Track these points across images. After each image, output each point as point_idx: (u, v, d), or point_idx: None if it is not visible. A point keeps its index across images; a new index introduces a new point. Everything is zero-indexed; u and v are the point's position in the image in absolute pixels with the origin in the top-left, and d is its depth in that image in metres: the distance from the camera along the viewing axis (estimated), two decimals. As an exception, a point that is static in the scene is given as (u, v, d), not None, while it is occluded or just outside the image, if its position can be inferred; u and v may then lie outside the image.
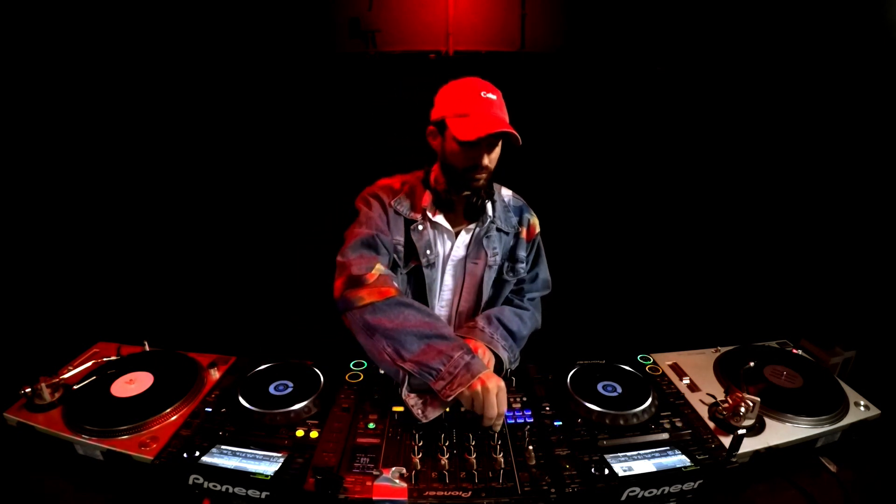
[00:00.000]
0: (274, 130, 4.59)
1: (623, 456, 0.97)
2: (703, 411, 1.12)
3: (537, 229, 1.47)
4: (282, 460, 0.94)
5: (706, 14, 4.48)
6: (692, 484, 0.90)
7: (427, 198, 1.30)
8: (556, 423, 1.07)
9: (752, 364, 1.10)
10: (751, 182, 3.33)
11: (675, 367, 1.29)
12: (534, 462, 0.96)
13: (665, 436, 1.04)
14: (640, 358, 1.32)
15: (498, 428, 1.04)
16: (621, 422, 1.06)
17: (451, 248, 1.34)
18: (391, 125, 4.33)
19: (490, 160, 1.20)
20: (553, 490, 0.90)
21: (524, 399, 1.16)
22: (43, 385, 1.08)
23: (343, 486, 0.89)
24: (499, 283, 1.42)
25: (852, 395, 1.16)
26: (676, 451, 0.98)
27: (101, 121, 3.56)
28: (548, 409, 1.12)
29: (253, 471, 0.90)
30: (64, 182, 3.11)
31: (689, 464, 0.94)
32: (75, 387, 1.13)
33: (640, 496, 0.89)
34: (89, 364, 1.23)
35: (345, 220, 1.31)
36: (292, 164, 4.31)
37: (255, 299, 3.05)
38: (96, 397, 1.11)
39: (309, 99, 5.12)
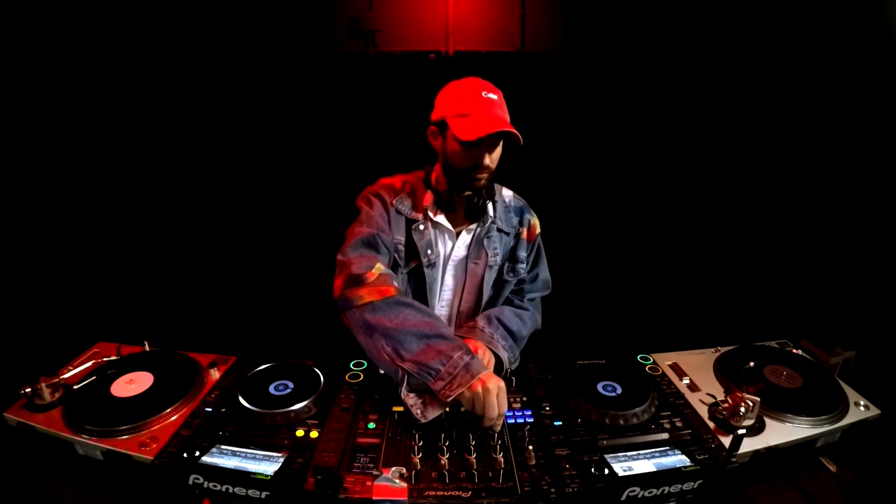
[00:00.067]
0: (274, 130, 4.59)
1: (623, 456, 0.97)
2: (703, 411, 1.12)
3: (538, 230, 1.47)
4: (282, 460, 0.94)
5: (706, 14, 4.48)
6: (692, 484, 0.90)
7: (428, 198, 1.30)
8: (556, 423, 1.07)
9: (752, 364, 1.10)
10: (751, 182, 3.33)
11: (675, 367, 1.28)
12: (534, 462, 0.96)
13: (665, 436, 1.04)
14: (640, 358, 1.32)
15: (498, 428, 1.04)
16: (621, 422, 1.06)
17: (451, 248, 1.34)
18: (391, 125, 4.33)
19: (491, 160, 1.20)
20: (553, 490, 0.90)
21: (524, 399, 1.16)
22: (43, 385, 1.08)
23: (343, 486, 0.89)
24: (499, 283, 1.42)
25: (852, 395, 1.16)
26: (676, 451, 0.98)
27: (102, 121, 3.56)
28: (548, 409, 1.12)
29: (253, 471, 0.90)
30: (64, 182, 3.12)
31: (689, 464, 0.94)
32: (75, 387, 1.13)
33: (639, 496, 0.89)
34: (89, 364, 1.23)
35: (345, 219, 1.31)
36: (292, 164, 4.31)
37: (255, 299, 3.05)
38: (96, 397, 1.11)
39: (309, 99, 5.12)
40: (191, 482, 0.89)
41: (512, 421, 1.09)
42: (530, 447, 0.98)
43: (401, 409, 1.09)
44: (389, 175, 1.40)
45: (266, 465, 0.93)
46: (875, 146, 2.57)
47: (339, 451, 0.98)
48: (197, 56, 4.69)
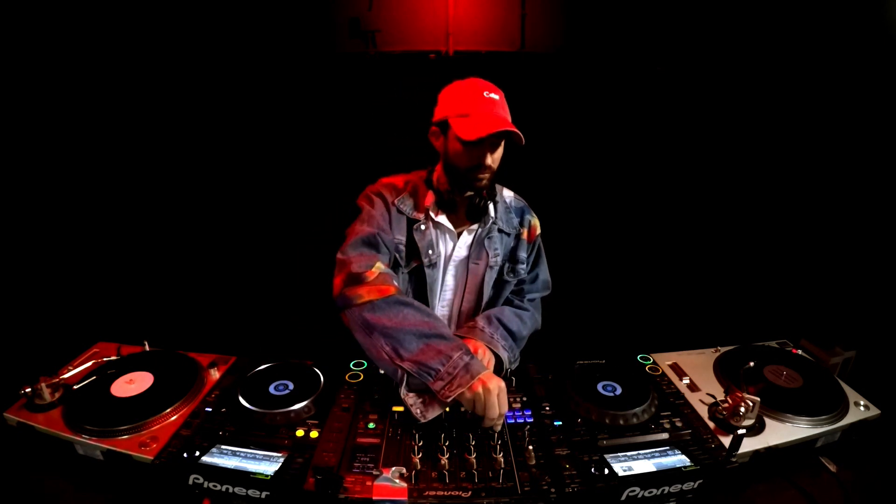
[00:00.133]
0: (274, 130, 4.59)
1: (623, 456, 0.97)
2: (703, 411, 1.12)
3: (538, 230, 1.47)
4: (282, 460, 0.94)
5: (706, 14, 4.48)
6: (692, 484, 0.90)
7: (430, 198, 1.30)
8: (556, 423, 1.08)
9: (752, 364, 1.10)
10: (750, 182, 3.33)
11: (675, 367, 1.29)
12: (534, 462, 0.96)
13: (665, 436, 1.04)
14: (640, 358, 1.32)
15: (498, 428, 1.04)
16: (621, 422, 1.06)
17: (453, 248, 1.34)
18: (391, 125, 4.33)
19: (493, 160, 1.20)
20: (553, 490, 0.90)
21: (524, 399, 1.16)
22: (43, 385, 1.08)
23: (343, 485, 0.89)
24: (499, 283, 1.42)
25: (852, 395, 1.16)
26: (676, 451, 0.98)
27: (102, 121, 3.56)
28: (548, 409, 1.12)
29: (253, 471, 0.90)
30: (64, 182, 3.12)
31: (689, 464, 0.94)
32: (75, 387, 1.13)
33: (639, 496, 0.89)
34: (89, 364, 1.23)
35: (345, 219, 1.31)
36: (292, 164, 4.31)
37: (255, 299, 3.05)
38: (96, 397, 1.11)
39: (309, 99, 5.12)
40: (191, 482, 0.89)
41: (512, 421, 1.09)
42: (530, 447, 0.98)
43: (401, 409, 1.09)
44: (389, 175, 1.40)
45: (266, 465, 0.93)
46: (875, 146, 2.57)
47: (339, 451, 0.98)
48: (197, 56, 4.69)
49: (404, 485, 0.89)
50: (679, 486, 0.90)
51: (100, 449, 1.00)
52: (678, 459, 0.96)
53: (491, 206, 1.34)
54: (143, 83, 4.05)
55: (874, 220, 2.48)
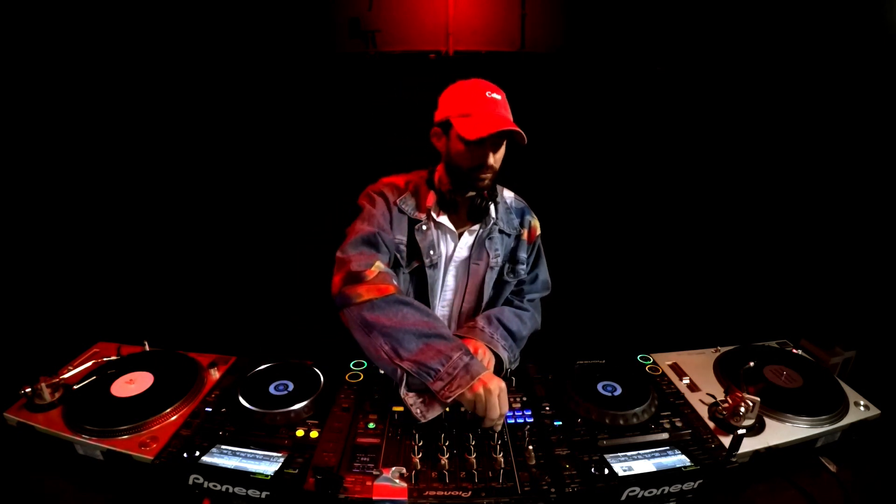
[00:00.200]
0: (274, 130, 4.59)
1: (623, 456, 0.97)
2: (703, 411, 1.12)
3: (538, 231, 1.47)
4: (282, 460, 0.94)
5: (706, 14, 4.48)
6: (692, 484, 0.90)
7: (431, 198, 1.30)
8: (556, 423, 1.07)
9: (751, 364, 1.10)
10: (750, 182, 3.34)
11: (675, 367, 1.29)
12: (534, 462, 0.96)
13: (665, 436, 1.04)
14: (640, 358, 1.32)
15: (498, 428, 1.04)
16: (621, 422, 1.06)
17: (454, 248, 1.34)
18: (391, 125, 4.33)
19: (495, 160, 1.20)
20: (553, 490, 0.90)
21: (524, 399, 1.16)
22: (43, 385, 1.08)
23: (343, 485, 0.89)
24: (499, 284, 1.42)
25: (852, 395, 1.16)
26: (676, 451, 0.98)
27: (102, 121, 3.56)
28: (548, 409, 1.12)
29: (253, 471, 0.90)
30: (64, 182, 3.12)
31: (689, 464, 0.94)
32: (75, 387, 1.13)
33: (639, 496, 0.89)
34: (89, 364, 1.23)
35: (345, 219, 1.31)
36: (292, 164, 4.31)
37: (255, 299, 3.05)
38: (96, 397, 1.11)
39: (309, 99, 5.12)
40: (191, 482, 0.90)
41: (512, 421, 1.09)
42: (530, 447, 0.98)
43: (401, 409, 1.08)
44: (390, 175, 1.40)
45: (266, 465, 0.93)
46: (875, 146, 2.57)
47: (339, 451, 0.98)
48: (197, 56, 4.69)
49: (404, 485, 0.89)
50: (679, 486, 0.90)
51: (100, 449, 1.00)
52: (678, 459, 0.96)
53: (492, 207, 1.34)
54: (144, 83, 4.05)
55: (874, 221, 2.48)
